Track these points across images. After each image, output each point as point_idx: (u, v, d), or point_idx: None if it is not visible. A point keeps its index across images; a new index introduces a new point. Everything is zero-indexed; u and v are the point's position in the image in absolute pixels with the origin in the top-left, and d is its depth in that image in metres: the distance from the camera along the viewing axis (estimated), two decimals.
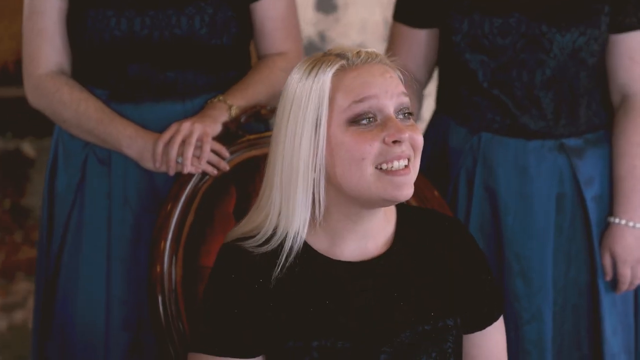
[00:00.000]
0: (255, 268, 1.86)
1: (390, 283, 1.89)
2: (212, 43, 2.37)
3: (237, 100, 2.37)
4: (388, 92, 1.83)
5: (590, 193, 2.48)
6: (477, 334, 1.96)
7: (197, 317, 1.92)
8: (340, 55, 1.85)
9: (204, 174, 2.28)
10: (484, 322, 1.96)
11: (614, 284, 2.51)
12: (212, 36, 2.37)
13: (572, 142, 2.47)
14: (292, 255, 1.86)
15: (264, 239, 1.88)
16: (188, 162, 2.25)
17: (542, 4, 2.39)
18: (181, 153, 2.26)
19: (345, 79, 1.83)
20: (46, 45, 2.40)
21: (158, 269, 2.20)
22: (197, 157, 2.26)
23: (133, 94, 2.39)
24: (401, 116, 1.85)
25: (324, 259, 1.89)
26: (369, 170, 1.81)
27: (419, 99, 2.57)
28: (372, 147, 1.80)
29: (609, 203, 2.50)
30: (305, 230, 1.87)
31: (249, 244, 1.88)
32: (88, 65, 2.42)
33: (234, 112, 2.35)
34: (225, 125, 2.33)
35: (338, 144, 1.82)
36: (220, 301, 1.87)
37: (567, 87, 2.44)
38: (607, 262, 2.49)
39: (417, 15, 2.51)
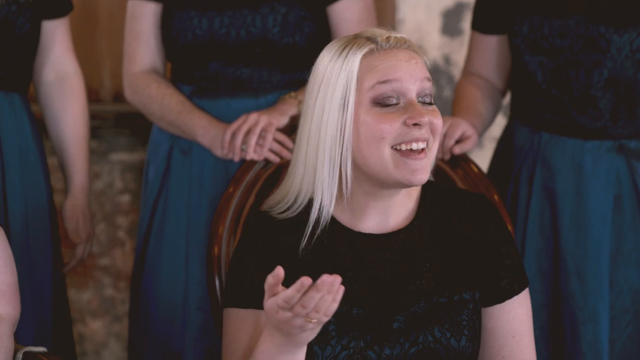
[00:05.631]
0: (278, 233, 1.98)
1: (409, 256, 1.97)
2: (284, 42, 2.52)
3: None
4: (412, 76, 1.92)
5: None
6: (496, 306, 1.98)
7: (226, 280, 2.04)
8: (371, 39, 1.95)
9: (268, 161, 2.42)
10: (503, 295, 1.99)
11: None
12: (284, 35, 2.52)
13: (633, 143, 2.46)
14: (319, 228, 1.96)
15: (286, 207, 2.00)
16: (251, 149, 2.40)
17: (601, 5, 2.40)
18: (246, 141, 2.41)
19: (373, 62, 1.92)
20: (142, 47, 2.63)
21: (215, 251, 2.34)
22: (261, 145, 2.41)
23: (213, 90, 2.57)
24: (423, 100, 1.94)
25: (347, 231, 1.98)
26: (387, 150, 1.90)
27: (493, 101, 2.62)
28: (392, 127, 1.90)
29: None
30: (333, 205, 1.96)
31: (274, 211, 2.01)
32: (177, 62, 2.63)
33: (302, 107, 2.48)
34: (293, 119, 2.47)
35: (361, 122, 1.91)
36: (246, 259, 1.98)
37: (625, 88, 2.43)
38: None
39: (487, 22, 2.60)
